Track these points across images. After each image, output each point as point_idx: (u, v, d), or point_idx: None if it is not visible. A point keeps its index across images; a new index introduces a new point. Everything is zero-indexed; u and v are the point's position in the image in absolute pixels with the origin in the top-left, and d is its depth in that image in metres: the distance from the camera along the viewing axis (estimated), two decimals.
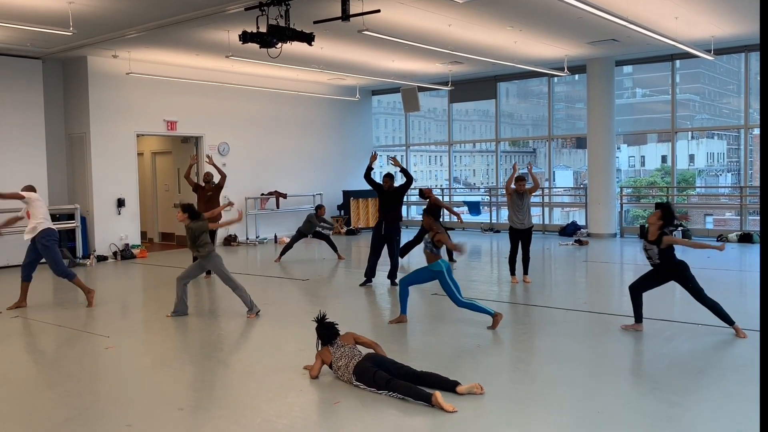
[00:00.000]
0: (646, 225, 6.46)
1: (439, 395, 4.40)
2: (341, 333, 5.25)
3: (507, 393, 4.81)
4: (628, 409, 4.41)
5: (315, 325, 5.27)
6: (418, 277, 6.91)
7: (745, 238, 13.19)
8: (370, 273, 9.23)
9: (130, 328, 7.19)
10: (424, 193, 11.17)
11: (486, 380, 5.06)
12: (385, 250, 9.26)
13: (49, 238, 8.14)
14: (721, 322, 6.26)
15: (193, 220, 7.48)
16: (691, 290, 6.27)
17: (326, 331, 5.18)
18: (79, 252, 12.26)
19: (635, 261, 11.94)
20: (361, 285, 9.18)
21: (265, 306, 7.95)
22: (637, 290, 6.49)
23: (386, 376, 4.65)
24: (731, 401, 4.54)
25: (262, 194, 15.65)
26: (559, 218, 17.29)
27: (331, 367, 5.06)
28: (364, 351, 5.13)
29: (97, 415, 4.52)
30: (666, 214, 6.23)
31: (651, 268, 6.45)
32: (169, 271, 11.00)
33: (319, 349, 5.18)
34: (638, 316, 6.46)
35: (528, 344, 6.20)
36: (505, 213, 17.92)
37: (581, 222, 15.46)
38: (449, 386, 4.66)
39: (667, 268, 6.29)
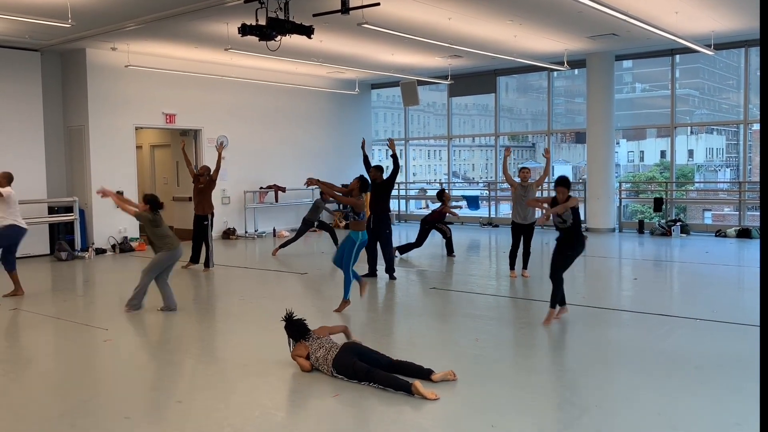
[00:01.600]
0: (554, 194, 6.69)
1: (418, 384, 4.47)
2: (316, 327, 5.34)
3: (504, 385, 4.82)
4: (625, 403, 4.41)
5: (284, 324, 5.29)
6: (344, 250, 7.18)
7: (743, 233, 13.20)
8: (370, 269, 9.28)
9: (129, 321, 7.19)
10: (442, 196, 11.38)
11: (483, 372, 5.07)
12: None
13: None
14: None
15: (153, 211, 7.35)
16: (564, 260, 6.50)
17: (296, 328, 5.23)
18: (78, 245, 12.25)
19: (633, 255, 11.97)
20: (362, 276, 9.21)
21: (263, 300, 7.96)
22: (558, 274, 6.56)
23: (365, 367, 4.71)
24: (729, 397, 4.55)
25: (261, 188, 15.63)
26: None
27: (308, 358, 5.08)
28: (339, 341, 5.19)
29: (96, 408, 4.52)
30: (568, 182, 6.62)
31: (556, 248, 6.64)
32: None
33: (292, 347, 5.20)
34: (561, 299, 6.58)
35: (526, 338, 6.21)
36: (503, 208, 17.93)
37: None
38: (424, 374, 4.74)
39: (574, 233, 6.50)
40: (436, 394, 4.42)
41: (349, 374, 4.76)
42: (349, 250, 7.11)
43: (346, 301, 7.18)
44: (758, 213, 15.40)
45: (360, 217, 7.19)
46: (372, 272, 9.24)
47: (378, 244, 9.24)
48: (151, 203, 7.34)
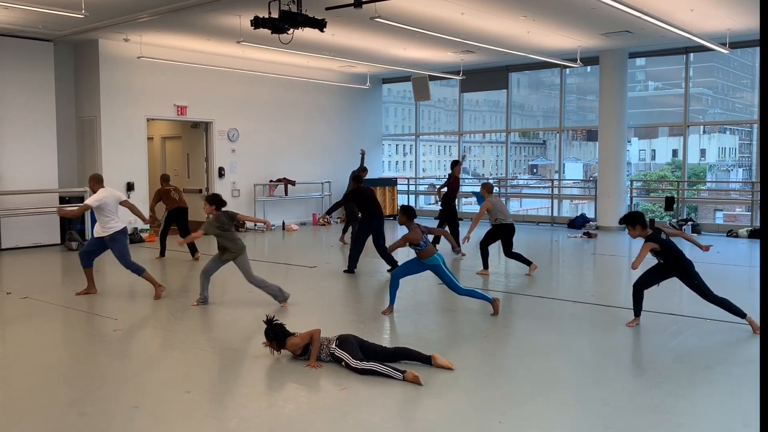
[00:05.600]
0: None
1: (413, 373, 4.63)
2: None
3: (512, 382, 4.81)
4: (633, 402, 4.39)
5: (265, 329, 5.33)
6: (411, 269, 6.95)
7: (755, 233, 13.09)
8: (350, 266, 9.45)
9: (138, 311, 7.22)
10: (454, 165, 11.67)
11: (491, 369, 5.07)
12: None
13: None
14: (729, 317, 6.23)
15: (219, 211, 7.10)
16: (696, 288, 6.25)
17: (279, 331, 5.27)
18: (88, 235, 12.30)
19: None
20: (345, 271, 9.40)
21: None
22: (640, 288, 6.44)
23: (361, 356, 4.94)
24: (737, 396, 4.52)
25: (271, 181, 15.65)
26: (568, 210, 17.23)
27: (308, 348, 5.17)
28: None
29: (105, 397, 4.55)
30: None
31: (655, 264, 6.43)
32: (177, 255, 11.04)
33: (281, 349, 5.23)
34: (638, 311, 6.43)
35: (535, 336, 6.19)
36: (514, 204, 17.92)
37: (590, 215, 15.41)
38: (425, 359, 5.00)
39: (673, 263, 6.27)
40: (422, 381, 4.57)
41: (349, 350, 4.95)
42: (445, 275, 6.70)
43: (494, 300, 6.84)
44: None
45: (420, 248, 6.68)
46: (351, 269, 9.32)
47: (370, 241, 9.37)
48: (216, 203, 7.06)
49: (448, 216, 11.19)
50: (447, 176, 11.74)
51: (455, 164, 11.64)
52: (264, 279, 7.25)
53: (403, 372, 4.67)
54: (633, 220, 6.35)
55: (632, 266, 6.25)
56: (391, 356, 5.01)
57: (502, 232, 9.16)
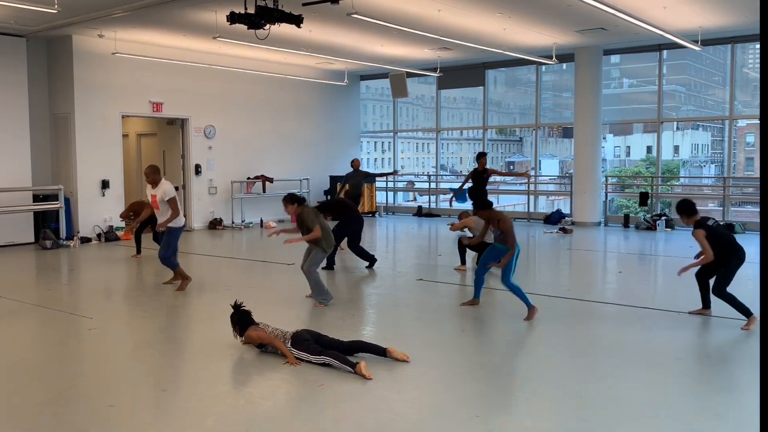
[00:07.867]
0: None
1: (363, 365, 4.70)
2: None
3: (488, 376, 4.85)
4: (607, 394, 4.45)
5: (231, 314, 5.44)
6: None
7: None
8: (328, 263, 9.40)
9: (113, 310, 7.15)
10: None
11: (468, 363, 5.10)
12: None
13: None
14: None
15: (300, 207, 7.02)
16: (721, 276, 6.20)
17: (245, 318, 5.37)
18: (63, 233, 12.15)
19: (618, 249, 12.05)
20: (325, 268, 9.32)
21: (249, 289, 7.96)
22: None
23: (318, 348, 5.00)
24: (709, 388, 4.60)
25: (249, 178, 15.58)
26: (544, 206, 17.39)
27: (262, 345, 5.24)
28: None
29: (80, 396, 4.50)
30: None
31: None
32: (153, 253, 10.94)
33: (243, 336, 5.32)
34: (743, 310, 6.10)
35: (511, 329, 6.24)
36: (490, 200, 17.97)
37: (566, 210, 15.56)
38: (380, 351, 5.08)
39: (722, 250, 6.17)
40: (371, 375, 4.66)
41: (303, 348, 5.01)
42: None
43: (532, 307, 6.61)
44: (742, 209, 15.56)
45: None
46: (330, 265, 9.29)
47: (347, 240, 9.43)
48: (297, 200, 7.03)
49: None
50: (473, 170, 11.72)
51: (481, 156, 11.61)
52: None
53: (354, 365, 4.73)
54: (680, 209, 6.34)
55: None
56: (347, 349, 5.08)
57: (481, 246, 9.18)
